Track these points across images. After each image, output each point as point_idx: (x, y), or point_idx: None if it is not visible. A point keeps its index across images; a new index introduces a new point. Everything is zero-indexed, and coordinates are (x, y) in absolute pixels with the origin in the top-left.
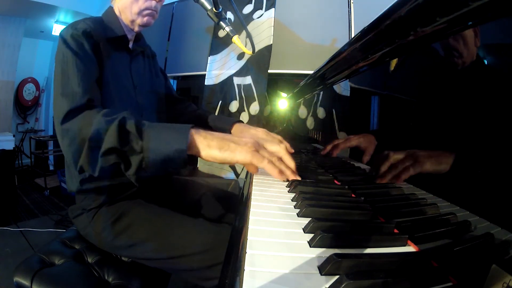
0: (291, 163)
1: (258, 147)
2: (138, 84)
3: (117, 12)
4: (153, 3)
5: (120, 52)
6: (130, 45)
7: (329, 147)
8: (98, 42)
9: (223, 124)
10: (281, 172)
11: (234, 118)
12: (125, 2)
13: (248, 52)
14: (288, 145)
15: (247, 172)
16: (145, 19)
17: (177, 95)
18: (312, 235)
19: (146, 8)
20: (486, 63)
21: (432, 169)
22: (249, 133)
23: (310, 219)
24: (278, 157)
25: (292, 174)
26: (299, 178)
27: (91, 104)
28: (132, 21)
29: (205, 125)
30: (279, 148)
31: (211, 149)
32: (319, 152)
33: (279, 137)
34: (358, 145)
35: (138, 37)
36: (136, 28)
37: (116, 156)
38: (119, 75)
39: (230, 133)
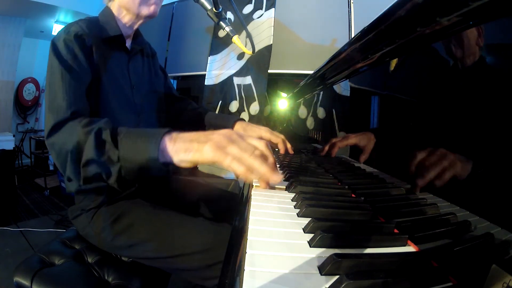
0: (270, 159)
1: (226, 143)
2: (136, 84)
3: (115, 11)
4: None
5: (117, 52)
6: (128, 44)
7: (327, 147)
8: (91, 45)
9: (224, 122)
10: (250, 170)
11: (235, 116)
12: None
13: (248, 52)
14: (289, 145)
15: None
16: (152, 7)
17: (177, 93)
18: (312, 235)
19: None
20: (487, 62)
21: (461, 174)
22: (251, 131)
23: (310, 219)
24: (253, 152)
25: (268, 171)
26: (276, 178)
27: (74, 116)
28: (137, 15)
29: (205, 123)
30: (258, 143)
31: (179, 153)
32: (319, 152)
33: (282, 136)
34: (357, 143)
35: (136, 35)
36: (141, 21)
37: (96, 166)
38: (115, 76)
39: None
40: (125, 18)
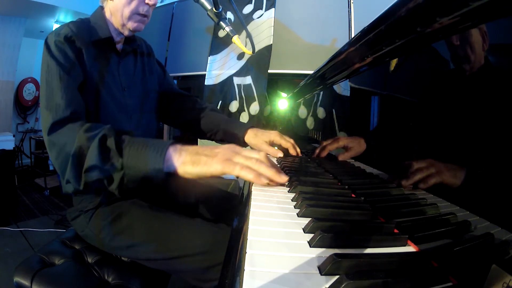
0: (270, 168)
1: (230, 155)
2: (127, 86)
3: (107, 14)
4: (146, 7)
5: (107, 54)
6: (119, 46)
7: (318, 150)
8: (81, 47)
9: (237, 129)
10: (259, 175)
11: (247, 123)
12: (117, 5)
13: (248, 52)
14: (298, 149)
15: None
16: (136, 24)
17: (180, 90)
18: (312, 235)
19: (138, 13)
20: (487, 62)
21: (449, 182)
22: (263, 136)
23: (310, 219)
24: (257, 159)
25: (275, 174)
26: (283, 179)
27: (74, 116)
28: (123, 25)
29: (214, 127)
30: (258, 155)
31: (185, 165)
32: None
33: (292, 141)
34: (346, 145)
35: (129, 39)
36: (126, 33)
37: (98, 172)
38: (106, 78)
39: (244, 139)
40: (115, 23)
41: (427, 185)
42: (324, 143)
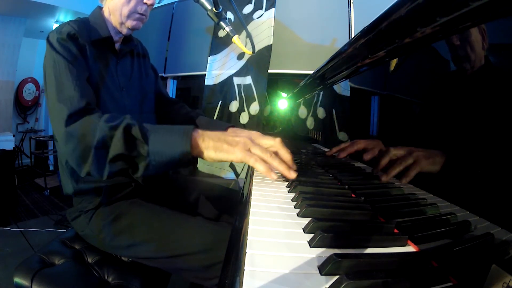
0: (286, 156)
1: (250, 145)
2: (125, 86)
3: (106, 13)
4: (144, 6)
5: (105, 54)
6: (117, 46)
7: (335, 149)
8: (84, 44)
9: (216, 128)
10: (270, 169)
11: (227, 123)
12: (115, 4)
13: (248, 52)
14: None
15: (247, 172)
16: (134, 22)
17: (169, 95)
18: (312, 235)
19: (137, 12)
20: (487, 62)
21: (429, 169)
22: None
23: (310, 219)
24: (272, 152)
25: (286, 169)
26: (293, 175)
27: (89, 107)
28: (121, 24)
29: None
30: (274, 142)
31: (208, 150)
32: (320, 152)
33: (278, 139)
34: (366, 147)
35: (127, 38)
36: (125, 31)
37: (124, 161)
38: (104, 77)
39: None
40: (114, 22)
41: (409, 176)
42: (343, 145)
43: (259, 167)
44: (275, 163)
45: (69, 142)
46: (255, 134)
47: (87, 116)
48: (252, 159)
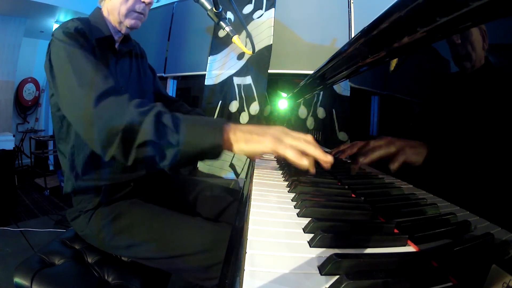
0: (317, 148)
1: (280, 135)
2: (124, 86)
3: (105, 13)
4: (142, 5)
5: (106, 53)
6: (117, 46)
7: (334, 152)
8: (91, 39)
9: None
10: (301, 156)
11: (225, 120)
12: (114, 3)
13: (248, 52)
14: None
15: (247, 172)
16: (133, 21)
17: (168, 94)
18: (312, 235)
19: (135, 10)
20: (487, 62)
21: (409, 160)
22: None
23: (310, 219)
24: (305, 139)
25: (322, 154)
26: (330, 158)
27: (116, 88)
28: (120, 23)
29: None
30: (305, 136)
31: (239, 143)
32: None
33: None
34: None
35: (125, 38)
36: (124, 30)
37: (152, 148)
38: None
39: None
40: (113, 21)
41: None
42: (342, 147)
43: (289, 153)
44: (310, 148)
45: (96, 124)
46: (287, 129)
47: (116, 96)
48: (282, 146)
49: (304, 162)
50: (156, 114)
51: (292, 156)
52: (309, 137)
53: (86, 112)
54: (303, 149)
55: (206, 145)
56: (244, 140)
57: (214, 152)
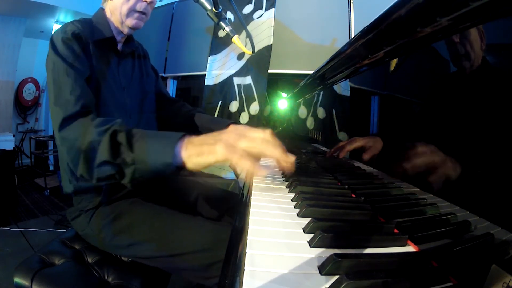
0: (277, 148)
1: (234, 139)
2: (126, 86)
3: (108, 14)
4: (144, 4)
5: (108, 54)
6: (119, 46)
7: (333, 150)
8: (88, 43)
9: (217, 127)
10: (256, 166)
11: (229, 120)
12: (115, 3)
13: (248, 52)
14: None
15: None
16: (134, 21)
17: (169, 95)
18: (312, 235)
19: (136, 10)
20: (487, 62)
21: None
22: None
23: (310, 219)
24: (263, 140)
25: (282, 154)
26: (291, 158)
27: (84, 110)
28: (122, 23)
29: (199, 126)
30: (263, 134)
31: (191, 158)
32: (320, 152)
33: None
34: (365, 145)
35: (128, 39)
36: (126, 30)
37: (110, 167)
38: (106, 77)
39: None
40: (115, 21)
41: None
42: (341, 144)
43: (245, 165)
44: (268, 150)
45: (63, 145)
46: (244, 129)
47: (81, 118)
48: (236, 155)
49: (261, 172)
50: (111, 133)
51: (247, 167)
52: (267, 135)
53: (56, 132)
54: (260, 152)
55: (158, 163)
56: (196, 154)
57: (168, 170)
